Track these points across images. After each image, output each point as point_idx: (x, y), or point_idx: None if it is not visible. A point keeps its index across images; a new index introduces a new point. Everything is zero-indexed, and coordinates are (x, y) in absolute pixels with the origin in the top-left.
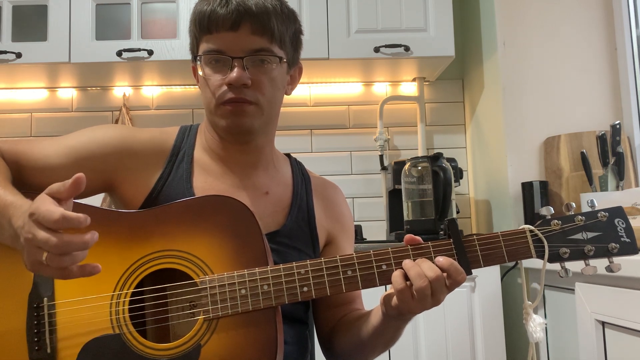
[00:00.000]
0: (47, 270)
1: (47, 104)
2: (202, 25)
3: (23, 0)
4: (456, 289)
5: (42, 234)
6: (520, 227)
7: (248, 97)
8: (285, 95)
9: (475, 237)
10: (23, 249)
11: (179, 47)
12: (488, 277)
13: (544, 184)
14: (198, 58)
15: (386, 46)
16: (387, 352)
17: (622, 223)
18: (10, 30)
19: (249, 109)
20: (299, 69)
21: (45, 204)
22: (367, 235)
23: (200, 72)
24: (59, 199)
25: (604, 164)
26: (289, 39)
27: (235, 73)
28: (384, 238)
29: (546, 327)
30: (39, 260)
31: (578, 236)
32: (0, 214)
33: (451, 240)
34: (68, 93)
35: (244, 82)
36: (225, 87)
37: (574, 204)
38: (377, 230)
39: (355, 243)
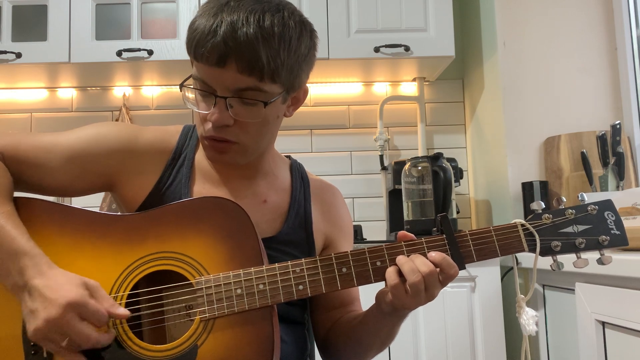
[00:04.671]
0: (48, 345)
1: (47, 104)
2: (190, 51)
3: (23, 0)
4: (456, 289)
5: (85, 329)
6: (512, 222)
7: (229, 137)
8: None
9: (467, 232)
10: (24, 303)
11: (179, 47)
12: (488, 277)
13: (544, 184)
14: (185, 84)
15: (386, 46)
16: (387, 351)
17: (612, 216)
18: (10, 30)
19: (231, 147)
20: (304, 91)
21: (91, 306)
22: (367, 235)
23: (191, 95)
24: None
25: (604, 164)
26: (286, 69)
27: (216, 114)
28: (384, 238)
29: (546, 327)
30: (51, 338)
31: (569, 229)
32: (10, 259)
33: (444, 236)
34: (68, 93)
35: (224, 124)
36: (210, 123)
37: (564, 198)
38: (377, 230)
39: (355, 243)
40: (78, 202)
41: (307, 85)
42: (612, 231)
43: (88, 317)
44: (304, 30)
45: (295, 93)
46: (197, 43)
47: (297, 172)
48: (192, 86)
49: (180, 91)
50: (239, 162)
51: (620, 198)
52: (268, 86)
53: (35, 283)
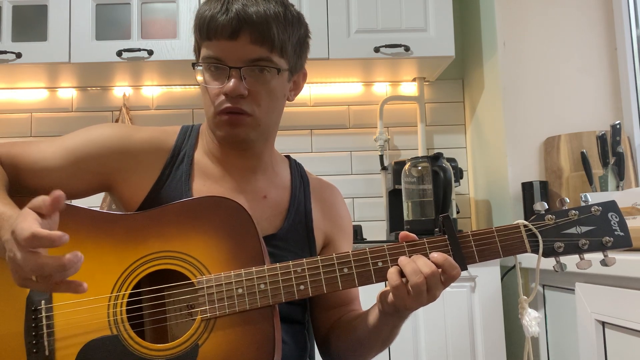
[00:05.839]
0: (36, 285)
1: (47, 104)
2: (202, 31)
3: (23, 0)
4: (456, 289)
5: (20, 255)
6: (515, 222)
7: (244, 108)
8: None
9: (470, 233)
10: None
11: (179, 47)
12: (488, 277)
13: (544, 184)
14: (197, 64)
15: (386, 46)
16: (387, 351)
17: (616, 217)
18: (10, 30)
19: (245, 120)
20: (303, 74)
21: (24, 222)
22: (367, 235)
23: (200, 78)
24: (41, 214)
25: (604, 164)
26: (291, 46)
27: (231, 83)
28: (384, 238)
29: (546, 327)
30: (26, 277)
31: (572, 230)
32: None
33: (446, 237)
34: (68, 93)
35: (240, 93)
36: (222, 97)
37: (567, 198)
38: (377, 230)
39: (356, 243)
40: (78, 201)
41: (307, 84)
42: (616, 232)
43: (19, 241)
44: (301, 18)
45: (296, 76)
46: (210, 20)
47: (297, 171)
48: (201, 68)
49: (194, 69)
50: (251, 137)
51: (620, 198)
52: (277, 59)
53: (6, 237)
